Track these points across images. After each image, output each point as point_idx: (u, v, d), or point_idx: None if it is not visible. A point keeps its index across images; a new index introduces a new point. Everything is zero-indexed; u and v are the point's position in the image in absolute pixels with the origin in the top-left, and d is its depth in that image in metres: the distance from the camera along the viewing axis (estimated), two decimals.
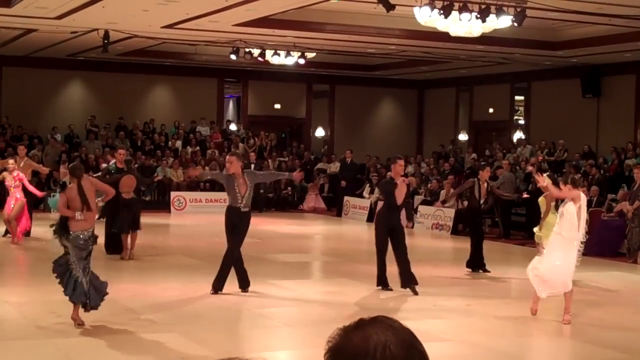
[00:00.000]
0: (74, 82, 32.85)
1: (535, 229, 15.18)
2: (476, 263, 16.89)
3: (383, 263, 14.27)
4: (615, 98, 28.48)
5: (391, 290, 14.18)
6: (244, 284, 13.68)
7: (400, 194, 14.19)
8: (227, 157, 14.27)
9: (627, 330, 12.23)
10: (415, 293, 14.07)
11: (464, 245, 22.98)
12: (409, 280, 14.12)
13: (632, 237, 19.50)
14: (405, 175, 28.94)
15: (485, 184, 17.14)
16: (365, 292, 14.32)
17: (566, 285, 11.94)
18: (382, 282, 14.32)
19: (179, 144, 32.54)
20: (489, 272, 16.77)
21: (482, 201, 17.58)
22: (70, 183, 11.99)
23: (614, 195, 22.22)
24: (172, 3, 19.81)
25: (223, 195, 29.37)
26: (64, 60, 31.19)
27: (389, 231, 14.20)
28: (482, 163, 20.89)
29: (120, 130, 32.16)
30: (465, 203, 20.20)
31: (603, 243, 20.61)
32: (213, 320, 11.73)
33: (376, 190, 28.30)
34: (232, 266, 13.47)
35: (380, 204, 17.84)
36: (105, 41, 24.34)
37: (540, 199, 15.44)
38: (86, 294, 10.77)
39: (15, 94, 31.87)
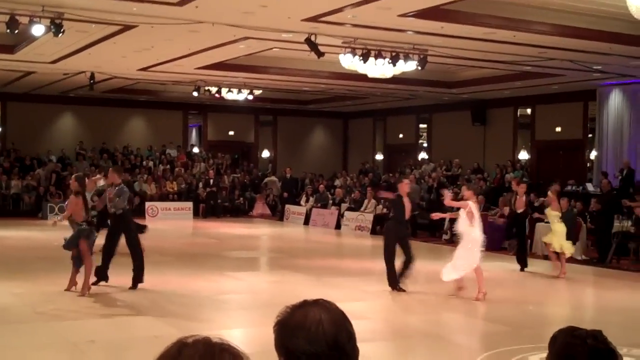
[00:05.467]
0: (66, 114, 32.31)
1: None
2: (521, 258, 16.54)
3: (392, 265, 13.33)
4: (498, 125, 28.89)
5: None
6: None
7: (407, 209, 13.47)
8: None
9: (509, 308, 12.39)
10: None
11: (381, 242, 23.00)
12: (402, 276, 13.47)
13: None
14: (334, 187, 29.07)
15: (524, 197, 16.50)
16: (303, 281, 14.28)
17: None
18: (393, 282, 13.28)
19: (151, 163, 32.23)
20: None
21: (520, 211, 16.46)
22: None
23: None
24: (145, 51, 19.65)
25: (188, 204, 29.39)
26: (58, 97, 30.67)
27: (398, 239, 13.44)
28: (525, 180, 16.86)
29: (104, 153, 31.79)
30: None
31: (489, 240, 20.78)
32: (181, 305, 11.58)
33: (310, 199, 28.32)
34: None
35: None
36: (91, 81, 24.07)
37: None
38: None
39: (18, 124, 31.27)
